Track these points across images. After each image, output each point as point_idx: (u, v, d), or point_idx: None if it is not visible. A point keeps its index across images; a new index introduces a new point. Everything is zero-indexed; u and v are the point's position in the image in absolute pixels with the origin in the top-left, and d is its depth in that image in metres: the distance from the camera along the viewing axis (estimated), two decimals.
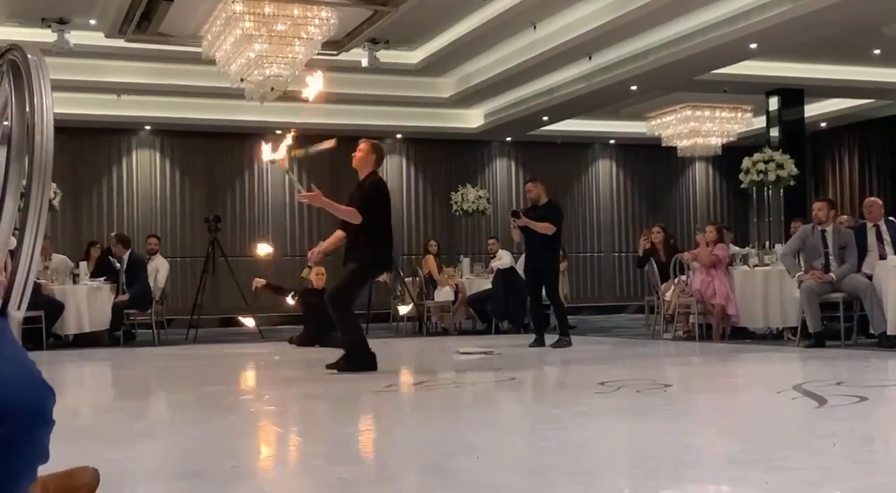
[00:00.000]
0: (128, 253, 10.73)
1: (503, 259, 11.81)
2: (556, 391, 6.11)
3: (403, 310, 11.85)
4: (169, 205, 15.83)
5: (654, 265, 10.24)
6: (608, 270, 18.26)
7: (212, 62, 10.72)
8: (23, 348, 1.72)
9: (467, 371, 6.95)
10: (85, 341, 10.10)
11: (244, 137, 15.57)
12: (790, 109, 14.43)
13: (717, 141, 15.82)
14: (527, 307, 10.53)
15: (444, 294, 11.59)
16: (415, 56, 13.28)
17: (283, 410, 5.30)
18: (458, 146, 17.08)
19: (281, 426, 4.58)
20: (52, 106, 1.78)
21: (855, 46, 12.39)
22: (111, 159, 15.60)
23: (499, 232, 15.11)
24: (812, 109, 15.37)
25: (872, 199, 9.22)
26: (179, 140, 15.78)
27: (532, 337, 9.02)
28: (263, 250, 7.73)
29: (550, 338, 8.82)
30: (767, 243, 10.56)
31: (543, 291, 9.02)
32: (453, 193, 14.95)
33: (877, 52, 12.75)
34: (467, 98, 14.92)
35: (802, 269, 8.29)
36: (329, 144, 6.65)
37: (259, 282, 10.54)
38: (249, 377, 7.38)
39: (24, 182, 1.76)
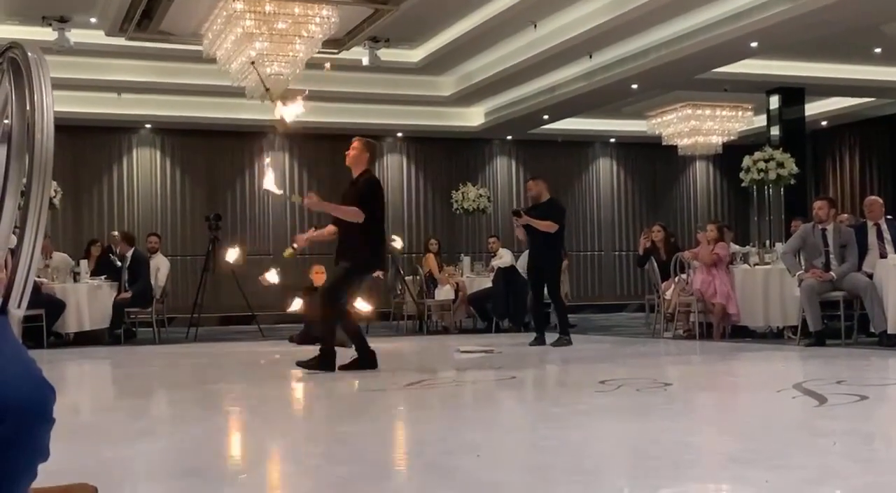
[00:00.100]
0: (132, 251, 10.74)
1: (504, 258, 11.80)
2: (556, 390, 6.12)
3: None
4: (169, 203, 15.83)
5: (655, 264, 10.23)
6: (608, 268, 18.25)
7: (213, 61, 10.71)
8: (23, 346, 1.72)
9: (468, 370, 6.95)
10: (85, 339, 10.11)
11: (245, 136, 15.58)
12: (791, 108, 14.40)
13: (717, 140, 15.80)
14: (527, 306, 10.55)
15: (444, 293, 11.59)
16: (415, 54, 13.26)
17: (283, 409, 5.30)
18: (458, 145, 17.06)
19: (281, 424, 4.58)
20: (53, 104, 1.78)
21: (855, 45, 12.37)
22: (111, 158, 15.59)
23: (499, 231, 15.08)
24: (813, 108, 15.35)
25: (873, 197, 9.21)
26: (180, 139, 15.77)
27: (532, 336, 9.04)
28: (272, 278, 7.77)
29: (551, 337, 8.83)
30: (768, 242, 10.56)
31: (545, 289, 9.03)
32: (454, 191, 14.95)
33: (877, 50, 12.74)
34: (468, 97, 14.90)
35: (803, 267, 8.30)
36: (300, 199, 6.94)
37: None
38: (249, 376, 7.37)
39: (25, 180, 1.75)
